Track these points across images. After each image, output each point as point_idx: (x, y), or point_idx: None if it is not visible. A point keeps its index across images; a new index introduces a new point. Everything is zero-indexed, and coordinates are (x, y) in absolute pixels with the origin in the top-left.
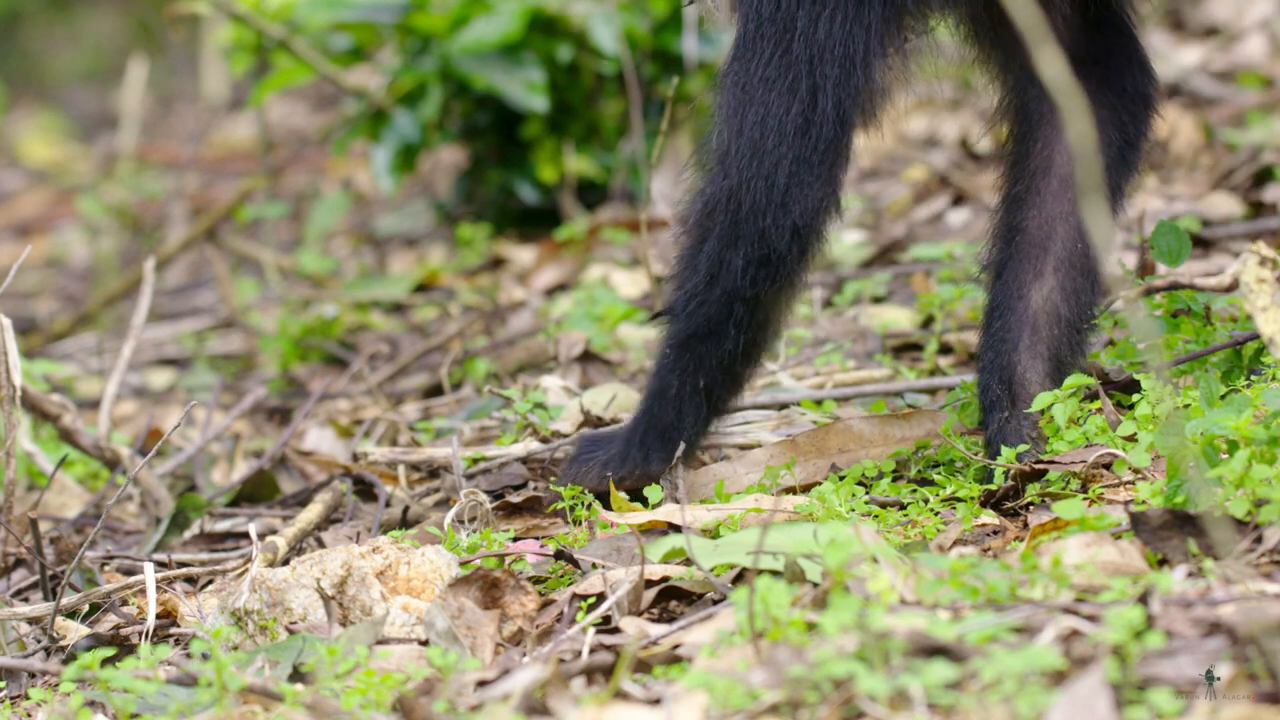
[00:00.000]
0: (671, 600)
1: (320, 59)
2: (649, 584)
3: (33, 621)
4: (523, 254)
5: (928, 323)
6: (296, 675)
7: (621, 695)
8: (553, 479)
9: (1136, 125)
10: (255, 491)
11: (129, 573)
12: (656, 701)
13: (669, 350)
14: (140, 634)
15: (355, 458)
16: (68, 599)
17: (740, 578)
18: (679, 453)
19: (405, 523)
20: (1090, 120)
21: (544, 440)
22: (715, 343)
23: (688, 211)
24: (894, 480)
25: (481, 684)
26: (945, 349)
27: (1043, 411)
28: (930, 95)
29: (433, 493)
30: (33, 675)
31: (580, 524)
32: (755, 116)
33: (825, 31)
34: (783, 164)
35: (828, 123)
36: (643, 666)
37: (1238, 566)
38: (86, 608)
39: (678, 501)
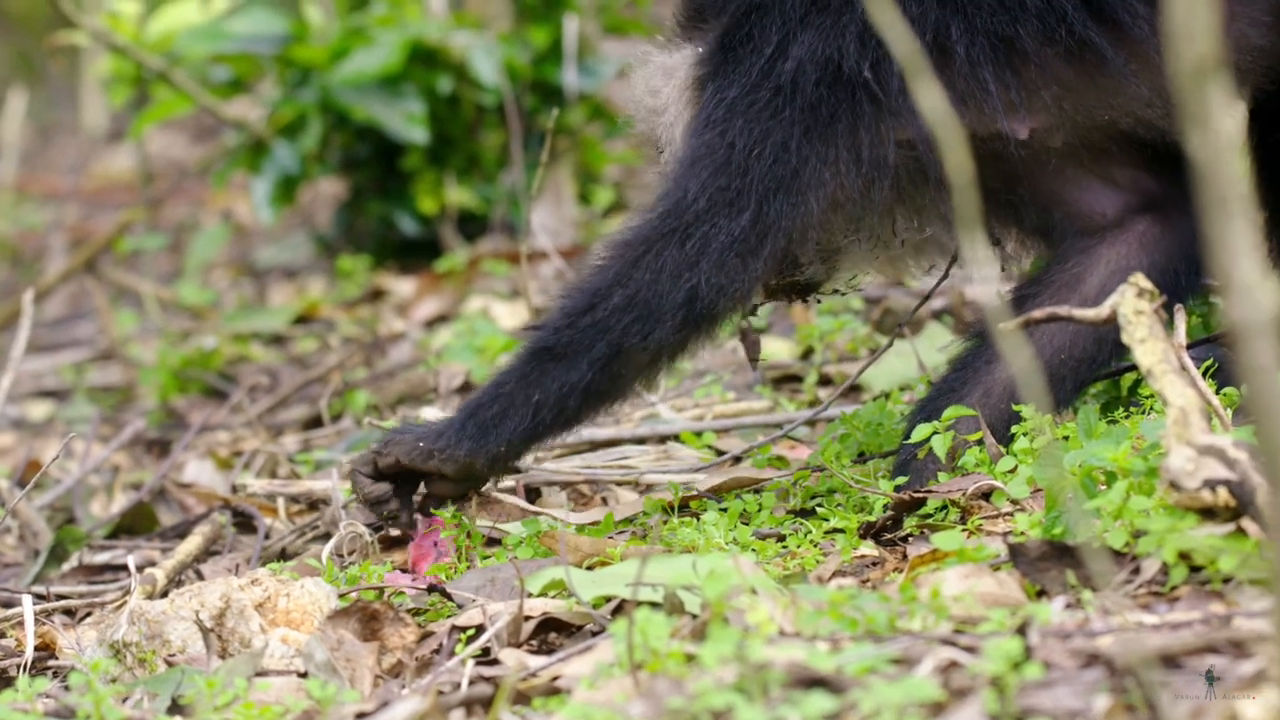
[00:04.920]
0: (551, 632)
1: (200, 90)
2: (528, 616)
3: None
4: (403, 285)
5: (807, 354)
6: (175, 708)
7: None
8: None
9: None
10: (134, 524)
11: (7, 605)
12: None
13: (521, 354)
14: (18, 666)
15: (234, 490)
16: None
17: (620, 609)
18: (491, 450)
19: (284, 555)
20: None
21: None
22: (565, 368)
23: (609, 240)
24: (774, 512)
25: (360, 716)
26: (825, 380)
27: (922, 442)
28: None
29: (313, 526)
30: None
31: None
32: (698, 203)
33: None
34: (712, 255)
35: (758, 237)
36: (522, 698)
37: (1116, 598)
38: None
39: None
